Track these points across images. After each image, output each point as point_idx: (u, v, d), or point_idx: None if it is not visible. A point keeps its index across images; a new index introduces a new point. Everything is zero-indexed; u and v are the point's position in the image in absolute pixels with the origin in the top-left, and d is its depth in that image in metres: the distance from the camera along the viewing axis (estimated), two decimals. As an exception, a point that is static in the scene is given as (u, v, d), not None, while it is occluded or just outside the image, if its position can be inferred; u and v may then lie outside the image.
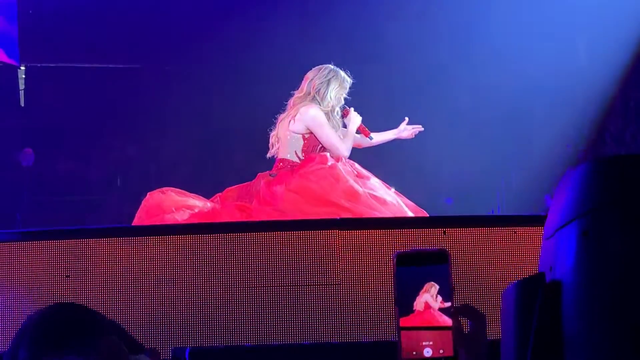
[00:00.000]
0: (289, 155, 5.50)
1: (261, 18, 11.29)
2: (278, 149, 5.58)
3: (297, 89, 5.63)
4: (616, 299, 1.29)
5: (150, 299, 4.68)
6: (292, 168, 5.46)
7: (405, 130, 5.97)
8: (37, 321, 1.86)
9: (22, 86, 13.58)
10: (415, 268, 1.39)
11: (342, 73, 5.63)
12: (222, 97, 10.69)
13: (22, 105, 13.48)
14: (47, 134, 12.34)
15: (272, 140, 5.62)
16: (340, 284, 4.55)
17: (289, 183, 5.31)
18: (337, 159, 5.48)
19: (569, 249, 1.37)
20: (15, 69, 13.70)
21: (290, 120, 5.52)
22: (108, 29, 12.39)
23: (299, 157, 5.49)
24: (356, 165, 5.63)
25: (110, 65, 13.04)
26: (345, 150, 5.52)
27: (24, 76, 13.69)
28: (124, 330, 2.00)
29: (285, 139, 5.51)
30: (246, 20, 11.22)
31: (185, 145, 10.68)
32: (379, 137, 5.93)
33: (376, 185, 5.47)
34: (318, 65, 5.72)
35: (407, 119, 5.97)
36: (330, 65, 5.63)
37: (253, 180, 5.59)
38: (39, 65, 13.62)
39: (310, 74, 5.61)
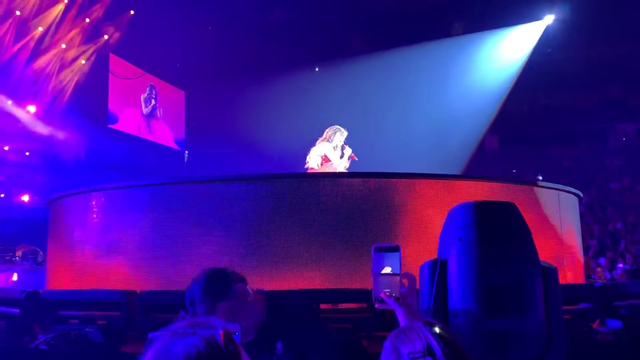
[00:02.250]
0: (314, 166, 5.47)
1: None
2: (309, 163, 5.54)
3: (321, 136, 5.62)
4: (473, 271, 1.28)
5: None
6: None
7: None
8: (203, 277, 1.78)
9: (185, 159, 13.57)
10: (383, 253, 1.38)
11: (343, 129, 5.61)
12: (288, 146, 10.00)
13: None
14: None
15: (307, 159, 5.55)
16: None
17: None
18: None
19: (453, 246, 1.35)
20: (182, 153, 13.70)
21: (315, 149, 5.53)
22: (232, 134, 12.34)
23: (318, 166, 5.46)
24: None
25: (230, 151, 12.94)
26: (340, 163, 5.48)
27: (187, 157, 13.68)
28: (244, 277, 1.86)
29: (313, 158, 5.50)
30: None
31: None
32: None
33: None
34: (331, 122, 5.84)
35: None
36: (337, 125, 5.63)
37: None
38: (195, 151, 13.65)
39: (327, 130, 5.61)
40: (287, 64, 12.18)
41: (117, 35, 11.93)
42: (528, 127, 14.19)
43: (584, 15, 11.26)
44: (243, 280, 1.84)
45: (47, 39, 10.96)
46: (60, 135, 10.63)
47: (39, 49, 10.85)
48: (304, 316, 1.91)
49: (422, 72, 11.81)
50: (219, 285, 1.75)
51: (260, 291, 1.91)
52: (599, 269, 6.49)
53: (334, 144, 5.50)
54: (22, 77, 10.64)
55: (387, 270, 1.37)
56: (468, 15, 12.15)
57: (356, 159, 5.57)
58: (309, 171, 5.46)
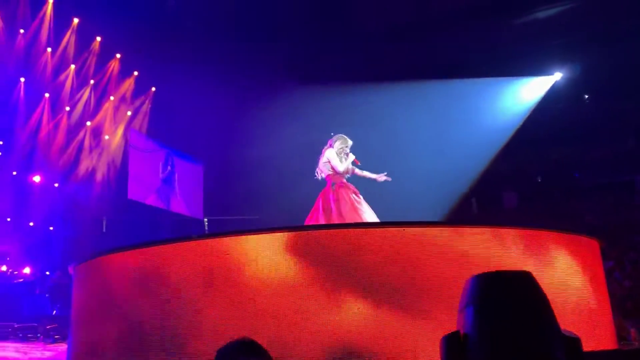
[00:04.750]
0: (328, 171, 5.67)
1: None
2: (321, 172, 5.74)
3: (326, 145, 5.85)
4: (492, 345, 1.30)
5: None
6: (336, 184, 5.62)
7: (380, 177, 5.94)
8: (226, 349, 1.74)
9: (206, 227, 13.60)
10: None
11: (346, 137, 5.83)
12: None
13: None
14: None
15: (316, 171, 5.78)
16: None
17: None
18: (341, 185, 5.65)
19: (470, 319, 1.37)
20: (202, 221, 13.80)
21: (322, 158, 5.74)
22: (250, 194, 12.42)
23: (330, 170, 5.65)
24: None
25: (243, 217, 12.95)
26: (341, 168, 5.64)
27: (207, 223, 13.75)
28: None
29: (322, 166, 5.72)
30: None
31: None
32: (365, 174, 5.92)
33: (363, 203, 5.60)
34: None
35: (386, 173, 5.92)
36: (340, 134, 5.84)
37: (325, 188, 5.72)
38: (214, 217, 13.75)
39: (333, 138, 5.83)
40: (304, 127, 12.47)
41: (139, 111, 12.54)
42: (547, 182, 14.13)
43: (594, 73, 11.53)
44: (266, 355, 1.80)
45: (75, 118, 11.60)
46: None
47: (68, 129, 11.48)
48: None
49: (424, 112, 11.95)
50: (244, 355, 1.73)
51: None
52: (633, 330, 6.20)
53: (336, 149, 5.73)
54: (51, 154, 11.17)
55: None
56: (479, 63, 12.37)
57: (359, 163, 5.80)
58: (330, 180, 5.66)
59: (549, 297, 1.44)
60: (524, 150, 12.98)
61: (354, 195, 5.58)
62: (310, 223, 5.58)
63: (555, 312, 1.41)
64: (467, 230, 3.80)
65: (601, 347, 3.90)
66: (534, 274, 1.49)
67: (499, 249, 3.80)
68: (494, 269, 1.45)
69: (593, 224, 12.69)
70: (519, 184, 14.10)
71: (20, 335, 7.25)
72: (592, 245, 4.64)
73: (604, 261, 4.92)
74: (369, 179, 5.98)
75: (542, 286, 1.46)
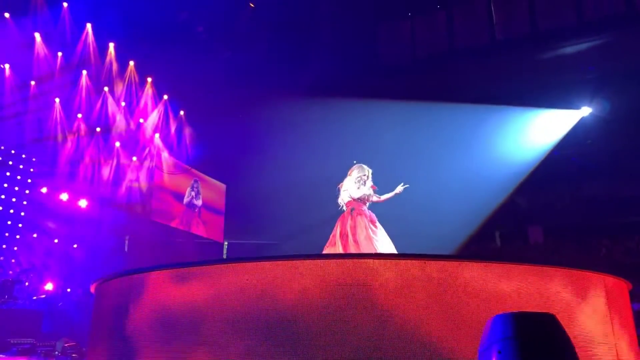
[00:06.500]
0: (349, 199, 5.81)
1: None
2: (342, 201, 5.88)
3: (347, 175, 5.97)
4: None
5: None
6: (355, 210, 5.74)
7: (399, 190, 5.98)
8: None
9: (224, 253, 13.66)
10: None
11: (364, 166, 5.97)
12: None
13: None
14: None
15: (339, 200, 5.92)
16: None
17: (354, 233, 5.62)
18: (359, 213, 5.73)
19: (492, 359, 1.37)
20: (222, 244, 13.88)
21: (342, 186, 5.91)
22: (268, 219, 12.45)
23: (349, 197, 5.80)
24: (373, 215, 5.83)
25: (265, 242, 13.00)
26: (356, 195, 5.80)
27: (226, 247, 13.81)
28: None
29: (343, 194, 5.88)
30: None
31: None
32: (386, 196, 5.98)
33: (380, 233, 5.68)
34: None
35: (402, 183, 5.98)
36: (359, 163, 6.01)
37: (345, 213, 5.84)
38: (234, 241, 13.82)
39: (352, 168, 5.97)
40: (325, 158, 12.55)
41: (167, 134, 12.85)
42: (573, 219, 13.84)
43: (623, 110, 11.37)
44: None
45: (105, 139, 11.97)
46: None
47: (97, 149, 11.84)
48: None
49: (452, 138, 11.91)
50: None
51: None
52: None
53: (354, 177, 5.89)
54: (79, 173, 11.52)
55: None
56: (504, 93, 12.30)
57: (376, 188, 5.94)
58: (350, 205, 5.79)
59: (573, 340, 1.42)
60: (551, 184, 12.78)
61: (370, 224, 5.63)
62: (329, 248, 5.65)
63: (581, 356, 1.39)
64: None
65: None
66: (560, 315, 1.47)
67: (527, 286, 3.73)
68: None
69: (623, 262, 12.32)
70: (545, 219, 13.84)
71: (39, 352, 7.31)
72: (620, 287, 4.53)
73: (632, 303, 4.78)
74: (393, 197, 6.04)
75: (566, 329, 1.45)
